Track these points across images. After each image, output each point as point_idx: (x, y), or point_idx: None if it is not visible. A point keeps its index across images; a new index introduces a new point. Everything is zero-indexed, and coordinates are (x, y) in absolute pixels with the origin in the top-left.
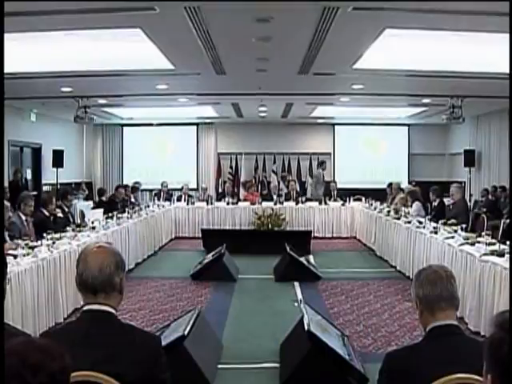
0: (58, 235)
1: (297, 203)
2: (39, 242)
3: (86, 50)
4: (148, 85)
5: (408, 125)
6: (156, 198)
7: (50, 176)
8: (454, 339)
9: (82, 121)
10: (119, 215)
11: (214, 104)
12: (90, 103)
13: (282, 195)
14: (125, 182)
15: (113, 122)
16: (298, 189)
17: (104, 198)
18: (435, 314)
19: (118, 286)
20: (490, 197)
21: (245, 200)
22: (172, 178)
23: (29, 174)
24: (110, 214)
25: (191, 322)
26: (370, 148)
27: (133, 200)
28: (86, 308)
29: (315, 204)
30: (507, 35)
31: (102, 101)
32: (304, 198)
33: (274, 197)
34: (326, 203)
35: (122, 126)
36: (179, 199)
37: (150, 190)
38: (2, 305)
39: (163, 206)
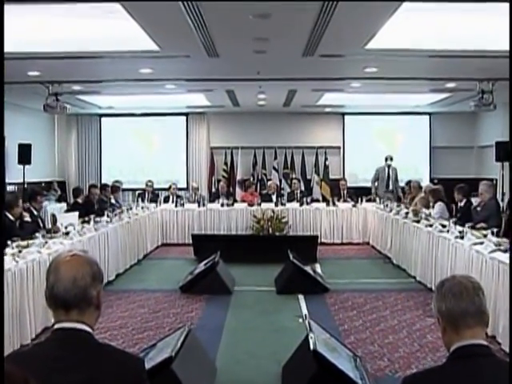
0: (25, 243)
1: (301, 204)
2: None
3: (58, 27)
4: (130, 69)
5: (429, 113)
6: (140, 199)
7: (15, 174)
8: (482, 361)
9: (52, 110)
10: (97, 219)
11: (205, 91)
12: (63, 90)
13: (285, 195)
14: (103, 181)
15: (89, 112)
16: (303, 188)
17: (80, 200)
18: (460, 331)
19: (94, 300)
20: None
21: (242, 201)
22: (158, 176)
23: None
24: (87, 218)
25: (180, 342)
26: (385, 141)
27: (113, 201)
28: (57, 326)
29: (322, 205)
30: None
31: (76, 87)
32: (309, 199)
33: (273, 197)
34: (334, 204)
35: (100, 116)
36: (166, 200)
37: (133, 190)
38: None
39: (148, 209)
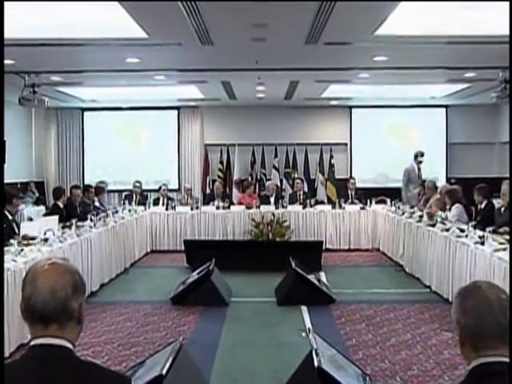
0: None
1: (304, 207)
2: None
3: (35, 11)
4: (115, 58)
5: (446, 106)
6: (127, 201)
7: None
8: (504, 381)
9: (29, 103)
10: (79, 223)
11: (199, 83)
12: (40, 81)
13: (286, 197)
14: (86, 182)
15: (70, 106)
16: (306, 189)
17: (60, 202)
18: (480, 350)
19: (76, 313)
20: None
21: (239, 203)
22: (147, 176)
23: None
24: (68, 223)
25: (171, 359)
26: (397, 136)
27: (97, 204)
28: (34, 343)
29: (327, 208)
30: None
31: (55, 78)
32: (313, 201)
33: (274, 199)
34: (340, 206)
35: (83, 110)
36: (156, 203)
37: (119, 192)
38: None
39: (136, 212)
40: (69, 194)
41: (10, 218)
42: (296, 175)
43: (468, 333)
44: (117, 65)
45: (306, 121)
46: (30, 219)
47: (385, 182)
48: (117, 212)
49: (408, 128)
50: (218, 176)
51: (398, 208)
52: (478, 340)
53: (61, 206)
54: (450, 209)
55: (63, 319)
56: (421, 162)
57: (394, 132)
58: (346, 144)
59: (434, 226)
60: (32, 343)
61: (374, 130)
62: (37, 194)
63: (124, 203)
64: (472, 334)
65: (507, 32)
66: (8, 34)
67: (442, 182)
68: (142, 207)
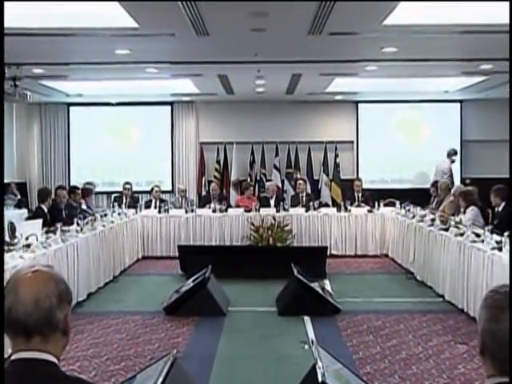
0: None
1: (307, 210)
2: None
3: None
4: (103, 49)
5: (460, 101)
6: (116, 203)
7: None
8: None
9: (10, 98)
10: (65, 228)
11: (194, 76)
12: (22, 73)
13: (288, 199)
14: (73, 183)
15: (55, 101)
16: (309, 190)
17: (46, 206)
18: (501, 368)
19: (61, 325)
20: None
21: (237, 206)
22: (138, 176)
23: None
24: (52, 227)
25: (164, 374)
26: (408, 134)
27: (84, 207)
28: (15, 357)
29: (332, 211)
30: None
31: (38, 70)
32: (317, 203)
33: (272, 201)
34: (346, 209)
35: (68, 105)
36: (148, 205)
37: (108, 194)
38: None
39: (126, 215)
40: (53, 196)
41: None
42: (298, 176)
43: (491, 352)
44: (105, 57)
45: (309, 117)
46: (11, 223)
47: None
48: (105, 215)
49: (419, 125)
50: (215, 176)
51: (408, 211)
52: (502, 362)
53: (45, 209)
54: (464, 212)
55: (47, 331)
56: (454, 162)
57: (403, 129)
58: (352, 142)
59: (447, 230)
60: (13, 357)
61: (382, 127)
62: (18, 196)
63: (113, 206)
64: (497, 357)
65: None
66: None
67: (456, 183)
68: (132, 210)
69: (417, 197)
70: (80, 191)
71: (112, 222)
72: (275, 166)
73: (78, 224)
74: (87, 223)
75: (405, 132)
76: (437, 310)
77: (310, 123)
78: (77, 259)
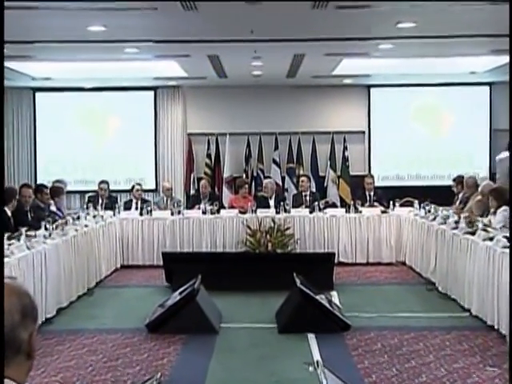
0: None
1: (311, 211)
2: None
3: None
4: (75, 25)
5: (489, 84)
6: (91, 204)
7: None
8: None
9: None
10: (30, 233)
11: (180, 57)
12: None
13: (289, 198)
14: (39, 181)
15: (18, 85)
16: (314, 188)
17: (9, 208)
18: None
19: (24, 345)
20: None
21: (231, 207)
22: (116, 173)
23: None
24: (16, 232)
25: None
26: (428, 122)
27: (53, 208)
28: None
29: (340, 212)
30: None
31: None
32: (323, 203)
33: (271, 201)
34: (356, 210)
35: (34, 90)
36: (128, 206)
37: (82, 193)
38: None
39: (103, 218)
40: (17, 196)
41: None
42: (301, 172)
43: None
44: (77, 34)
45: (313, 104)
46: None
47: (412, 179)
48: (78, 218)
49: (441, 112)
50: (205, 173)
51: (429, 211)
52: None
53: (8, 212)
54: (494, 212)
55: (8, 353)
56: None
57: (423, 117)
58: (363, 132)
59: (473, 233)
60: None
61: (398, 115)
62: None
63: (87, 207)
64: None
65: None
66: None
67: (484, 179)
68: (109, 212)
69: (438, 195)
70: (48, 190)
71: (86, 225)
72: (274, 161)
73: (46, 228)
74: (57, 227)
75: (424, 121)
76: (462, 326)
77: (315, 111)
78: (45, 269)
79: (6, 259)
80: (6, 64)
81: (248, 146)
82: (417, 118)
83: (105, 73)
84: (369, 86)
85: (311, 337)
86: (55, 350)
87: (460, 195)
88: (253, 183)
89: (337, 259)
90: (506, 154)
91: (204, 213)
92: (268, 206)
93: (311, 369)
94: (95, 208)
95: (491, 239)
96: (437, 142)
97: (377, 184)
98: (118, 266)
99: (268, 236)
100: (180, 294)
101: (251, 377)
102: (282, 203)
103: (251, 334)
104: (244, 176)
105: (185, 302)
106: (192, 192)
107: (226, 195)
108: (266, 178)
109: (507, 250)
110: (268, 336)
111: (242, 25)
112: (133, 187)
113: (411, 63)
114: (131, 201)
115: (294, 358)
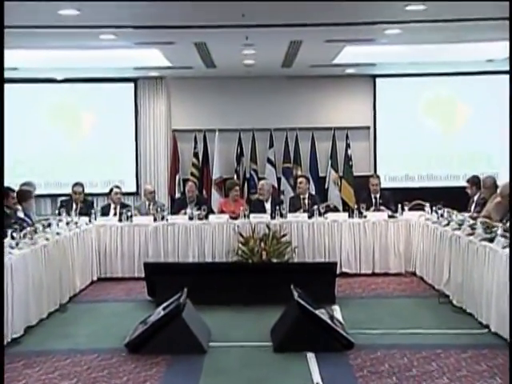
0: None
1: (311, 215)
2: None
3: None
4: (45, 9)
5: (509, 72)
6: (64, 210)
7: None
8: None
9: None
10: None
11: (163, 44)
12: None
13: (285, 202)
14: (6, 184)
15: None
16: (313, 191)
17: None
18: None
19: None
20: None
21: (221, 212)
22: (92, 174)
23: None
24: None
25: None
26: (440, 116)
27: (21, 215)
28: None
29: (342, 217)
30: None
31: None
32: (323, 207)
33: (266, 205)
34: (361, 214)
35: None
36: (106, 212)
37: (53, 197)
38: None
39: (77, 225)
40: None
41: None
42: (299, 172)
43: None
44: (47, 18)
45: (312, 97)
46: None
47: (423, 179)
48: (49, 226)
49: (455, 104)
50: (192, 174)
51: (442, 216)
52: None
53: None
54: None
55: None
56: None
57: (435, 110)
58: (367, 128)
59: (492, 240)
60: None
61: (407, 108)
62: None
63: (60, 213)
64: None
65: None
66: None
67: (504, 179)
68: (85, 218)
69: (453, 198)
70: (15, 194)
71: (58, 233)
72: (269, 160)
73: (12, 237)
74: (25, 236)
75: (437, 114)
76: (480, 344)
77: (314, 105)
78: (11, 283)
79: None
80: None
81: (239, 143)
82: (428, 112)
83: (78, 62)
84: (374, 77)
85: (310, 356)
86: (23, 374)
87: (475, 197)
88: (245, 185)
89: (339, 269)
90: None
91: (191, 218)
92: (263, 211)
93: None
94: (68, 214)
95: None
96: (450, 138)
97: (383, 185)
98: (95, 278)
99: (262, 244)
100: (164, 309)
101: None
102: (277, 207)
103: (243, 353)
104: (235, 177)
105: (169, 318)
106: (177, 195)
107: (216, 198)
108: (260, 179)
109: None
110: (262, 355)
111: (232, 8)
112: (111, 190)
113: (421, 50)
114: (109, 205)
115: (292, 380)
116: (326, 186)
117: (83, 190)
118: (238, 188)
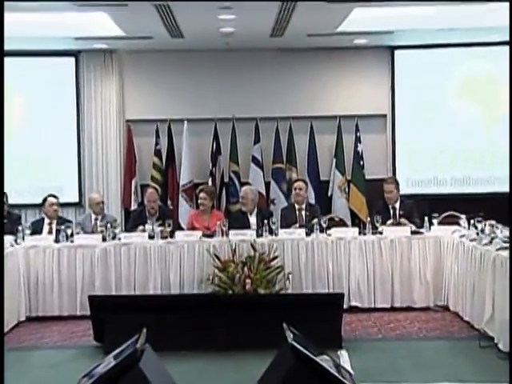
0: None
1: (310, 232)
2: None
3: None
4: None
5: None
6: None
7: None
8: None
9: None
10: None
11: (114, 7)
12: None
13: (277, 214)
14: None
15: None
16: (313, 199)
17: None
18: None
19: None
20: None
21: (191, 228)
22: (19, 180)
23: None
24: None
25: None
26: (477, 100)
27: None
28: None
29: (351, 233)
30: None
31: None
32: (325, 220)
33: (251, 218)
34: (375, 229)
35: None
36: (37, 229)
37: None
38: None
39: None
40: None
41: None
42: (294, 175)
43: None
44: None
45: (310, 76)
46: None
47: (455, 184)
48: None
49: (499, 84)
50: (153, 178)
51: (482, 231)
52: None
53: None
54: None
55: None
56: None
57: (472, 92)
58: (384, 116)
59: None
60: None
61: (434, 90)
62: None
63: None
64: None
65: None
66: None
67: None
68: (9, 237)
69: (496, 208)
70: None
71: None
72: (255, 160)
73: None
74: None
75: (474, 97)
76: None
77: (313, 86)
78: None
79: None
80: None
81: (216, 137)
82: (462, 94)
83: (5, 30)
84: (392, 48)
85: None
86: None
87: None
88: (223, 192)
89: (347, 303)
90: None
91: (151, 237)
92: (247, 226)
93: None
94: None
95: None
96: (492, 129)
97: (404, 191)
98: (22, 318)
99: (246, 270)
100: (115, 357)
101: None
102: (266, 221)
103: None
104: (210, 182)
105: (123, 369)
106: (133, 206)
107: (184, 210)
108: (243, 184)
109: None
110: None
111: None
112: (44, 200)
113: (453, 12)
114: (42, 220)
115: None
116: (330, 194)
117: (6, 200)
118: (213, 196)
